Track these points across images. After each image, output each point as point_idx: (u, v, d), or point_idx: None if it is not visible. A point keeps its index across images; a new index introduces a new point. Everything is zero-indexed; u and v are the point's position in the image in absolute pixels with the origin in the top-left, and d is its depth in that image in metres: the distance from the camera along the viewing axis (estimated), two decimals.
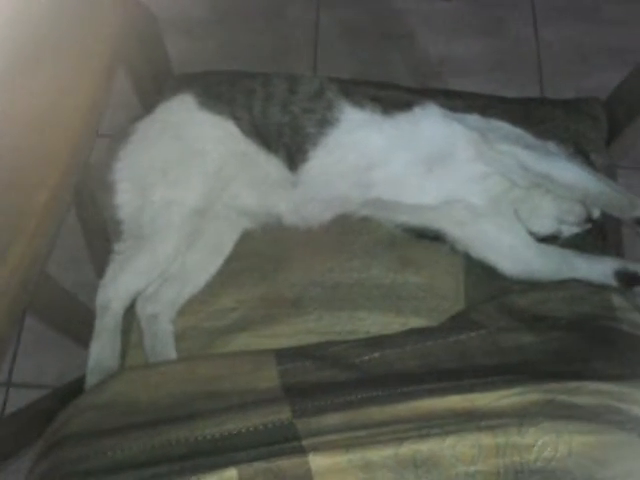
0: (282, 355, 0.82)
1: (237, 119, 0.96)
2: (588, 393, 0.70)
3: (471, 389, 0.71)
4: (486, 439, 0.65)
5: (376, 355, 0.81)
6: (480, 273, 0.96)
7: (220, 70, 1.15)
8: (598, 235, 0.99)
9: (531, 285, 0.93)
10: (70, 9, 0.88)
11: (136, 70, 1.07)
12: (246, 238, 1.00)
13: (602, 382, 0.71)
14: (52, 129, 0.82)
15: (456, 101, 1.06)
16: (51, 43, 0.86)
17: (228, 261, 0.98)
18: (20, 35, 0.86)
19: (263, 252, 0.99)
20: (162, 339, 0.92)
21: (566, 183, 0.91)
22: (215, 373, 0.81)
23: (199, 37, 1.77)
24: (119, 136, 1.00)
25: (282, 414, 0.72)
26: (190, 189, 0.94)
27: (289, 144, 0.95)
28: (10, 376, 1.40)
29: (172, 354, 0.91)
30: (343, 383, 0.77)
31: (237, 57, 1.72)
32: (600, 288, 0.91)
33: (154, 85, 1.12)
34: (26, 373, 1.41)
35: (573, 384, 0.70)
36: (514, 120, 1.01)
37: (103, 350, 0.90)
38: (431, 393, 0.71)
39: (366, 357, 0.81)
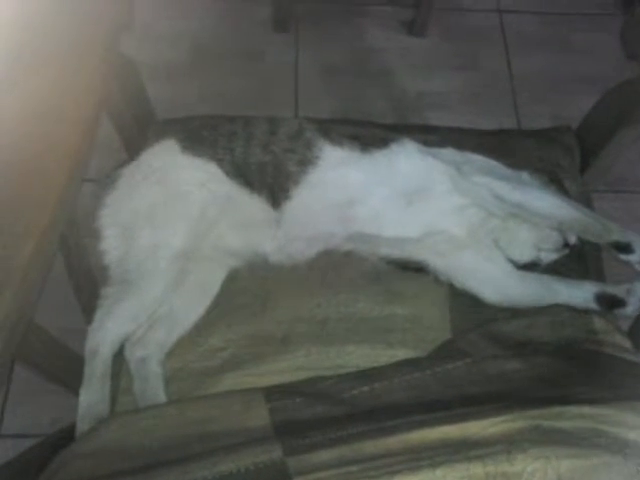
0: (271, 393, 0.83)
1: (219, 161, 0.98)
2: (572, 417, 0.71)
3: (461, 419, 0.72)
4: (475, 469, 0.66)
5: (365, 389, 0.82)
6: (465, 302, 0.97)
7: (202, 115, 1.18)
8: (578, 260, 1.01)
9: (515, 312, 0.94)
10: (57, 61, 0.90)
11: (120, 117, 1.09)
12: (233, 277, 1.01)
13: (586, 406, 0.72)
14: (38, 178, 0.83)
15: (431, 135, 1.10)
16: (37, 93, 0.88)
17: (215, 301, 0.99)
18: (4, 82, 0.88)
19: (250, 291, 1.00)
20: (152, 382, 0.92)
21: (540, 212, 0.93)
22: (205, 415, 0.81)
23: (181, 82, 1.80)
24: (104, 182, 1.02)
25: (273, 453, 0.72)
26: (175, 232, 0.96)
27: (271, 183, 0.97)
28: None
29: (162, 397, 0.91)
30: (333, 418, 0.77)
31: (219, 100, 1.75)
32: (582, 312, 0.93)
33: (138, 131, 1.14)
34: (17, 424, 1.39)
35: (557, 409, 0.71)
36: (488, 152, 1.04)
37: (93, 396, 0.90)
38: (421, 424, 0.72)
39: (355, 391, 0.82)
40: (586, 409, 0.71)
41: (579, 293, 0.94)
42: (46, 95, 0.87)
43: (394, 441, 0.70)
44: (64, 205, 0.84)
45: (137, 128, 1.14)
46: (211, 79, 1.83)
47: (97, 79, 0.91)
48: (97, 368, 0.92)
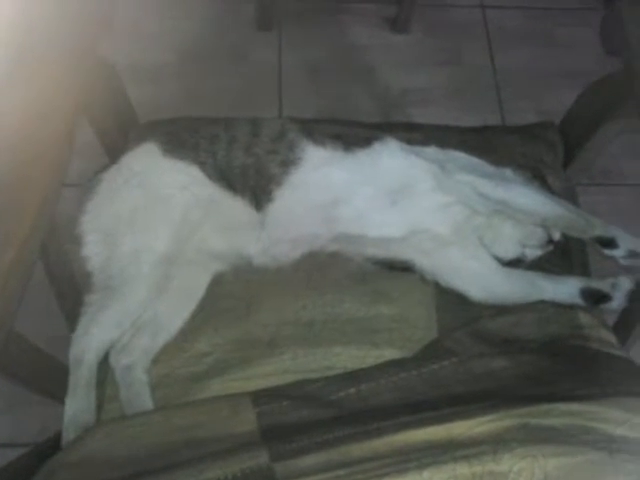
0: (258, 397, 0.82)
1: (202, 164, 0.97)
2: (560, 415, 0.71)
3: (447, 419, 0.72)
4: (462, 469, 0.66)
5: (351, 391, 0.81)
6: (451, 300, 0.97)
7: (184, 117, 1.16)
8: (563, 256, 1.01)
9: (501, 309, 0.94)
10: (31, 65, 0.89)
11: (100, 121, 1.08)
12: (217, 281, 1.00)
13: (573, 402, 0.72)
14: (21, 186, 0.82)
15: (415, 133, 1.09)
16: (13, 96, 0.87)
17: (201, 305, 0.98)
18: None
19: (235, 294, 0.98)
20: (138, 390, 0.90)
21: (523, 209, 0.93)
22: (192, 421, 0.80)
23: (165, 83, 1.78)
24: (85, 188, 1.01)
25: (260, 458, 0.71)
26: (157, 237, 0.94)
27: (254, 186, 0.96)
28: None
29: (149, 404, 0.90)
30: (320, 422, 0.77)
31: (203, 101, 1.73)
32: (567, 308, 0.93)
33: (119, 134, 1.13)
34: (4, 433, 1.36)
35: (545, 407, 0.71)
36: (472, 149, 1.03)
37: (79, 405, 0.89)
38: (407, 426, 0.72)
39: (342, 393, 0.81)
40: (574, 406, 0.71)
41: (564, 289, 0.94)
42: (22, 97, 0.85)
43: (381, 443, 0.70)
44: (45, 213, 0.83)
45: (118, 131, 1.12)
46: (195, 80, 1.80)
47: (74, 82, 0.90)
48: (82, 376, 0.90)
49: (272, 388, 0.86)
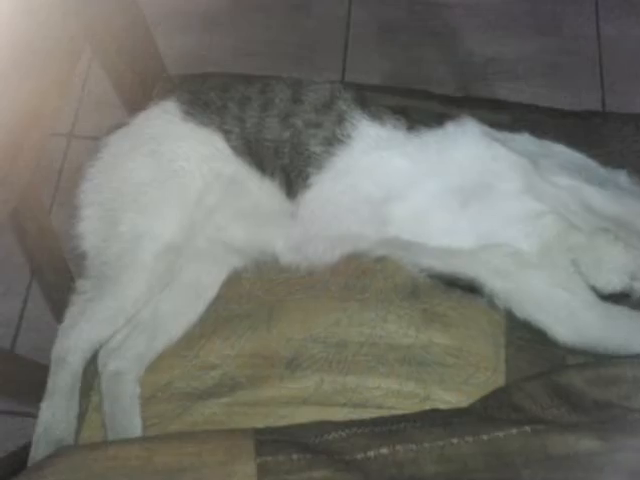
0: (264, 441, 0.65)
1: (226, 133, 0.81)
2: None
3: None
4: None
5: (384, 451, 0.63)
6: (527, 338, 0.78)
7: (219, 72, 0.99)
8: None
9: (593, 358, 0.74)
10: None
11: (116, 69, 0.91)
12: (234, 280, 0.85)
13: None
14: None
15: (500, 114, 0.90)
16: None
17: (212, 307, 0.83)
18: None
19: (254, 298, 0.84)
20: (125, 405, 0.77)
21: None
22: (177, 463, 0.64)
23: (217, 32, 1.63)
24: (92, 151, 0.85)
25: None
26: (165, 219, 0.80)
27: (288, 166, 0.79)
28: None
29: (136, 424, 0.76)
30: None
31: (257, 55, 1.57)
32: None
33: (142, 89, 0.96)
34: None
35: None
36: (572, 139, 0.83)
37: (55, 414, 0.76)
38: None
39: (371, 453, 0.63)
40: None
41: None
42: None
43: None
44: (16, 167, 0.66)
45: (140, 85, 0.95)
46: (250, 32, 1.65)
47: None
48: (63, 379, 0.78)
49: (283, 428, 0.69)
